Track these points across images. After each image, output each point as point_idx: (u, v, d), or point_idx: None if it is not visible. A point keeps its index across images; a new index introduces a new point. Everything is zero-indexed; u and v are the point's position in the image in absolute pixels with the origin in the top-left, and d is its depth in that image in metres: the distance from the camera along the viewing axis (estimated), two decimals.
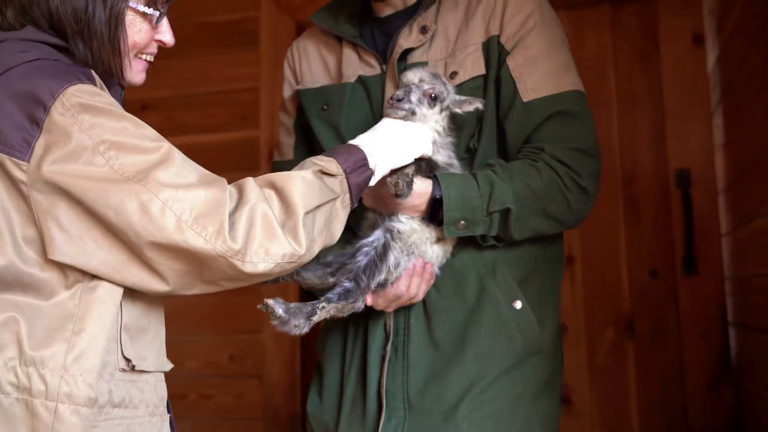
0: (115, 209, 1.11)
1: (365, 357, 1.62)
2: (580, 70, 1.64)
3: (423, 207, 1.50)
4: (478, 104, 1.52)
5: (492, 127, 1.59)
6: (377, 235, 1.50)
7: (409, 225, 1.52)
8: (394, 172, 1.45)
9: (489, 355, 1.53)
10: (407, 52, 1.63)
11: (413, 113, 1.49)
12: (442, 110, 1.53)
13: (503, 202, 1.48)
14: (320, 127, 1.71)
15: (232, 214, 1.15)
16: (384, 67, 1.66)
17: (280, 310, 1.36)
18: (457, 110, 1.53)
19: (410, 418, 1.54)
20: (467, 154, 1.59)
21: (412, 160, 1.44)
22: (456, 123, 1.57)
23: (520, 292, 1.56)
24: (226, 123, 3.30)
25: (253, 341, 3.17)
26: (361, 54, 1.70)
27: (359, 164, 1.34)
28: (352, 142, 1.40)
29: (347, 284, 1.44)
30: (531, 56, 1.56)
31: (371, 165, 1.37)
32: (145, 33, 1.33)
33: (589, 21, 3.04)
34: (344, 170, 1.31)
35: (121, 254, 1.14)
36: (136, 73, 1.37)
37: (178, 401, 3.22)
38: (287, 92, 1.83)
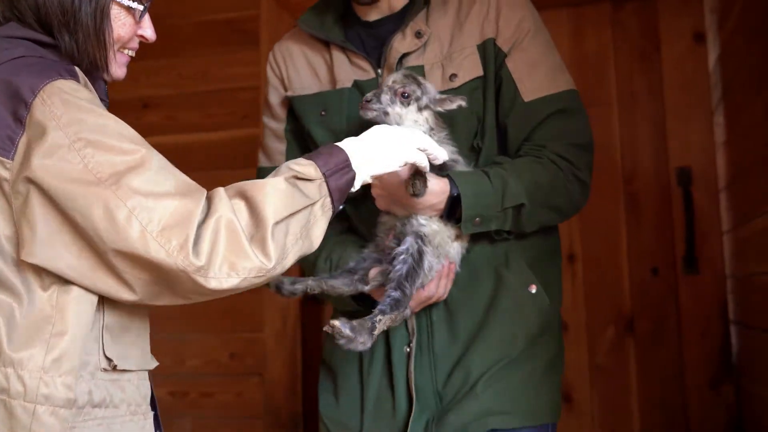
0: (81, 212, 1.09)
1: (389, 357, 1.66)
2: (580, 68, 1.69)
3: (441, 206, 1.54)
4: (460, 101, 1.55)
5: (493, 126, 1.64)
6: (409, 242, 1.52)
7: (434, 227, 1.56)
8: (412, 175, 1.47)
9: (509, 338, 1.61)
10: (402, 56, 1.66)
11: (386, 113, 1.54)
12: (420, 109, 1.56)
13: (517, 197, 1.54)
14: (320, 133, 1.70)
15: (200, 226, 1.11)
16: (379, 71, 1.68)
17: (346, 330, 1.39)
18: (439, 108, 1.56)
19: (441, 408, 1.60)
20: (471, 152, 1.64)
21: (401, 163, 1.38)
22: (449, 122, 1.60)
23: (533, 276, 1.63)
24: (226, 121, 3.30)
25: (254, 340, 3.17)
26: (351, 58, 1.70)
27: (340, 166, 1.28)
28: (336, 144, 1.35)
29: (395, 294, 1.47)
30: (530, 59, 1.64)
31: (354, 166, 1.31)
32: (129, 27, 1.34)
33: (590, 19, 3.04)
34: (323, 173, 1.25)
35: (89, 260, 1.12)
36: (118, 66, 1.38)
37: (178, 399, 3.23)
38: (274, 98, 1.81)
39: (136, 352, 1.25)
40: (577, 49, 3.00)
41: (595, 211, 2.98)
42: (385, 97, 1.54)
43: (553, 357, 1.68)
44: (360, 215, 1.71)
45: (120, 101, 3.41)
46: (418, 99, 1.55)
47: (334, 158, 1.28)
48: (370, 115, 1.54)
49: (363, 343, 1.40)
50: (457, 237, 1.58)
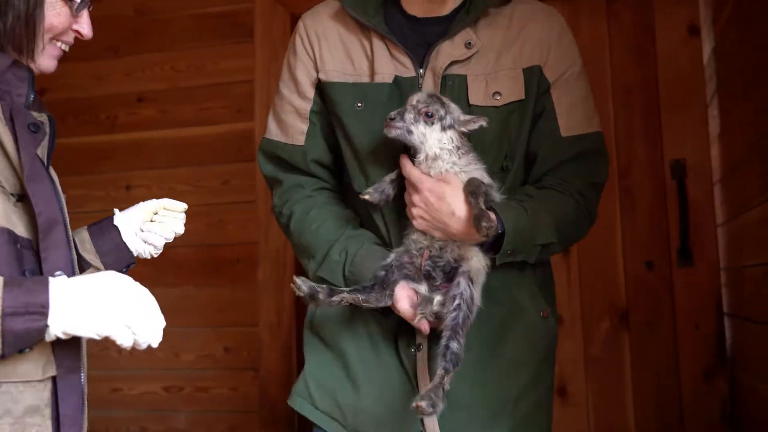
0: None
1: (397, 351, 1.67)
2: None
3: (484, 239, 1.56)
4: (482, 122, 1.56)
5: (524, 149, 1.69)
6: (463, 286, 1.53)
7: (479, 264, 1.58)
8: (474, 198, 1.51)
9: (522, 360, 1.67)
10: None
11: (409, 132, 1.55)
12: (444, 128, 1.56)
13: (549, 236, 1.61)
14: (355, 126, 1.67)
15: None
16: (421, 71, 1.65)
17: (433, 409, 1.45)
18: (463, 129, 1.57)
19: (449, 412, 1.58)
20: (501, 172, 1.66)
21: (100, 335, 1.17)
22: (482, 141, 1.62)
23: (544, 300, 1.69)
24: (220, 115, 3.29)
25: (249, 334, 3.17)
26: (393, 51, 1.66)
27: (30, 310, 1.08)
28: (55, 276, 1.16)
29: (454, 346, 1.49)
30: (573, 97, 1.70)
31: (51, 317, 1.10)
32: (63, 18, 1.30)
33: (585, 11, 3.04)
34: (2, 309, 1.06)
35: None
36: (48, 58, 1.34)
37: (173, 394, 3.23)
38: (303, 75, 1.73)
39: (23, 364, 1.18)
40: None
41: None
42: (409, 116, 1.54)
43: (552, 378, 1.77)
44: (385, 216, 1.69)
45: (114, 95, 3.43)
46: (441, 119, 1.56)
47: (29, 296, 1.09)
48: (394, 133, 1.55)
49: (440, 407, 1.45)
50: (487, 267, 1.61)
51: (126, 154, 3.39)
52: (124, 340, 1.18)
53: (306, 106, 1.73)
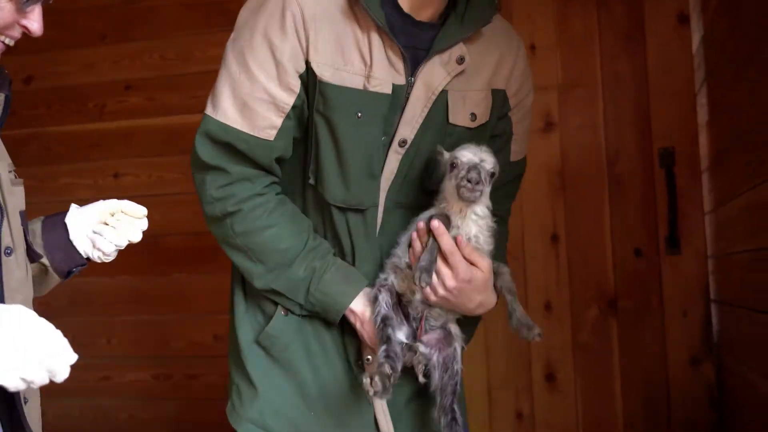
0: None
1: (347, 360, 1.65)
2: (566, 49, 1.71)
3: None
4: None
5: None
6: (460, 364, 1.55)
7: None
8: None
9: None
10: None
11: (482, 193, 1.48)
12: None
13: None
14: (350, 135, 1.53)
15: None
16: (411, 79, 1.55)
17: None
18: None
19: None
20: None
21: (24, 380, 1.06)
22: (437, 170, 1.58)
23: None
24: None
25: None
26: (389, 54, 1.52)
27: None
28: None
29: (457, 426, 1.50)
30: (526, 125, 1.77)
31: None
32: (7, 12, 1.25)
33: (576, 1, 3.03)
34: None
35: None
36: None
37: (162, 382, 3.23)
38: (289, 62, 1.50)
39: None
40: (564, 31, 3.00)
41: (579, 191, 3.00)
42: (484, 177, 1.47)
43: None
44: (351, 228, 1.60)
45: (102, 83, 3.40)
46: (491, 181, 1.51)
47: None
48: (475, 196, 1.46)
49: None
50: None
51: (114, 142, 3.37)
52: (41, 381, 1.07)
53: (289, 100, 1.52)
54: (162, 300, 3.21)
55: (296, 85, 1.52)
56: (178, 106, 3.30)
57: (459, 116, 1.60)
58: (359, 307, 1.56)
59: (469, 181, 1.44)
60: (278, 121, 1.53)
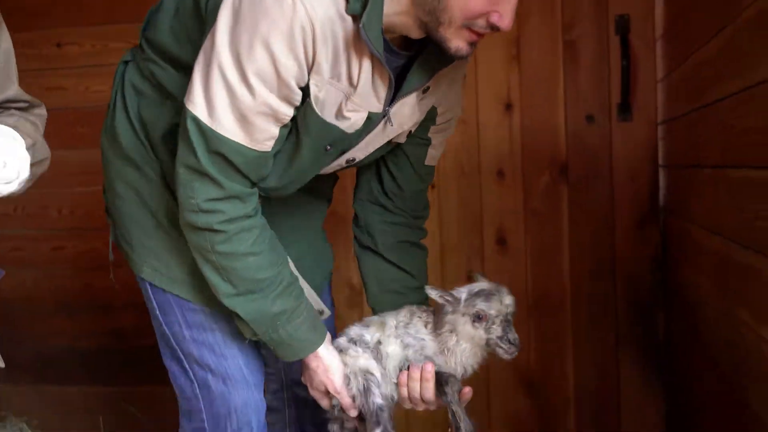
0: None
1: None
2: None
3: None
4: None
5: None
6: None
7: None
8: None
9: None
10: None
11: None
12: None
13: None
14: (311, 157, 1.58)
15: None
16: (387, 109, 1.57)
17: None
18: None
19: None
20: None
21: None
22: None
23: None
24: None
25: None
26: (376, 79, 1.50)
27: None
28: None
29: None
30: (447, 135, 1.85)
31: None
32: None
33: None
34: None
35: None
36: None
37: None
38: (293, 79, 1.41)
39: None
40: None
41: (533, 59, 2.98)
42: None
43: None
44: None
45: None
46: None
47: None
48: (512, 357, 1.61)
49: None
50: None
51: (57, 10, 3.23)
52: None
53: (289, 112, 1.47)
54: None
55: (297, 99, 1.46)
56: None
57: (401, 137, 1.72)
58: (323, 353, 1.65)
59: (511, 343, 1.59)
60: (276, 131, 1.48)
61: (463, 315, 1.61)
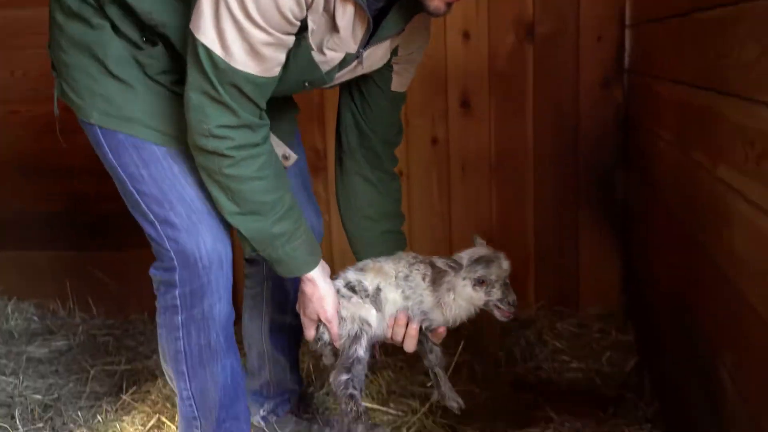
0: None
1: None
2: None
3: None
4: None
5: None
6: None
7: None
8: None
9: None
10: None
11: None
12: None
13: None
14: (286, 86, 1.66)
15: None
16: (362, 51, 1.66)
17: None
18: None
19: None
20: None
21: None
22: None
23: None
24: None
25: None
26: (356, 23, 1.60)
27: None
28: None
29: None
30: (412, 71, 1.90)
31: None
32: None
33: None
34: None
35: None
36: None
37: (70, 113, 3.16)
38: (293, 15, 1.52)
39: None
40: None
41: None
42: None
43: None
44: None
45: None
46: None
47: None
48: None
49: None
50: None
51: None
52: None
53: (292, 41, 1.57)
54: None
55: (296, 27, 1.55)
56: None
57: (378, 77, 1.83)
58: (316, 276, 1.75)
59: (510, 304, 1.75)
60: (283, 57, 1.58)
61: (464, 279, 1.76)
